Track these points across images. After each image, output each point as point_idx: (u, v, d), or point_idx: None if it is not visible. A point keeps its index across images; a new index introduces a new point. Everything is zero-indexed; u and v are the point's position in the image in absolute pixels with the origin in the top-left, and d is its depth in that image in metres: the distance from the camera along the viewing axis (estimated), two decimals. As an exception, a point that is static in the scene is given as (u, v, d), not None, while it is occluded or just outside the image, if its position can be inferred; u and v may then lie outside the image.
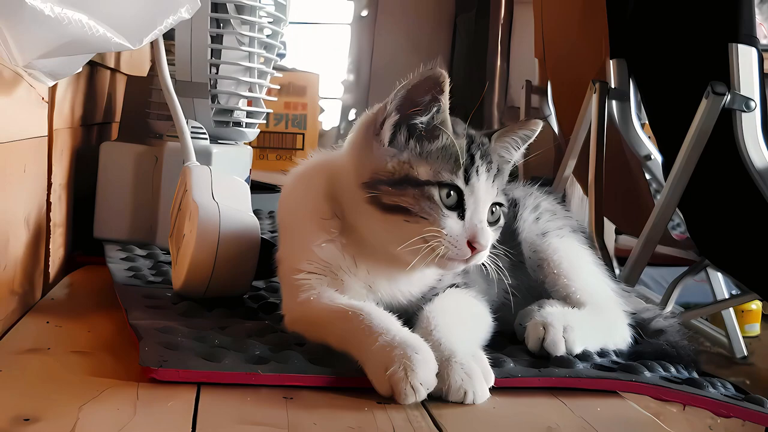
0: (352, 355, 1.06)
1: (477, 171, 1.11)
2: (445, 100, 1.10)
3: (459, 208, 1.10)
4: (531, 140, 1.21)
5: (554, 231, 1.34)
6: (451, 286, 1.21)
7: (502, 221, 1.17)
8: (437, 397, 1.02)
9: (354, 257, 1.17)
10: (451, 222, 1.09)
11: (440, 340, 1.06)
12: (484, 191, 1.11)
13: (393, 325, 1.06)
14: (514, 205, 1.36)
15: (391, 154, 1.11)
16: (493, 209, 1.14)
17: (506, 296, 1.31)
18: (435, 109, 1.10)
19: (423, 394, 1.00)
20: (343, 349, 1.08)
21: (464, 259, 1.10)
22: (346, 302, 1.13)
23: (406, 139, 1.11)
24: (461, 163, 1.10)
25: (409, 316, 1.15)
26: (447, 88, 1.09)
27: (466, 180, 1.10)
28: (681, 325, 1.37)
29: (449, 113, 1.12)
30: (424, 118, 1.11)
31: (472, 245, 1.09)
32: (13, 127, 1.28)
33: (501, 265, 1.18)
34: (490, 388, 1.06)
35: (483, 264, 1.28)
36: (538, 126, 1.20)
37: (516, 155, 1.22)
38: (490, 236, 1.11)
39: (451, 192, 1.09)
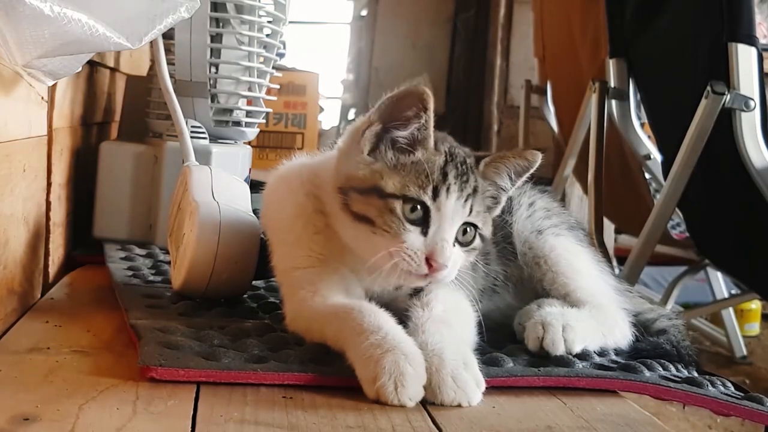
0: (345, 355, 1.06)
1: (448, 189, 1.10)
2: (429, 117, 1.11)
3: (424, 224, 1.09)
4: (530, 172, 1.19)
5: (549, 229, 1.34)
6: None
7: (476, 243, 1.15)
8: (436, 398, 1.03)
9: (341, 249, 1.17)
10: (412, 237, 1.09)
11: (427, 341, 1.05)
12: (453, 210, 1.10)
13: (385, 323, 1.05)
14: (509, 201, 1.36)
15: (366, 162, 1.13)
16: (467, 229, 1.13)
17: (496, 283, 1.33)
18: (417, 124, 1.11)
19: (411, 406, 1.00)
20: (338, 348, 1.08)
21: (422, 275, 1.09)
22: (340, 300, 1.13)
23: (386, 151, 1.12)
24: (432, 179, 1.10)
25: (402, 313, 1.14)
26: (431, 105, 1.10)
27: (434, 197, 1.10)
28: (684, 326, 1.37)
29: (435, 129, 1.13)
30: (404, 132, 1.12)
31: (430, 262, 1.08)
32: (12, 127, 1.28)
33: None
34: (489, 388, 1.06)
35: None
36: (536, 157, 1.17)
37: (513, 185, 1.20)
38: (452, 255, 1.10)
39: (417, 207, 1.09)
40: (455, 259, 1.12)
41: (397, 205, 1.09)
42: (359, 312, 1.07)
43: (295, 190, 1.23)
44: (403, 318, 1.11)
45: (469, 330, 1.16)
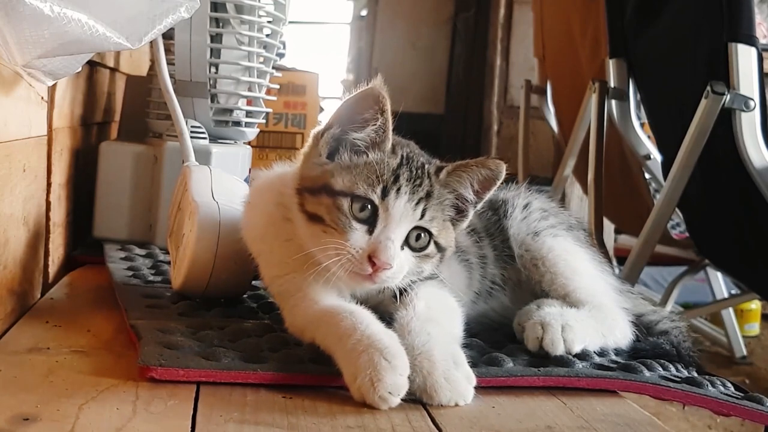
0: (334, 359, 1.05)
1: (398, 190, 1.10)
2: (386, 119, 1.11)
3: (372, 224, 1.09)
4: (497, 183, 1.16)
5: (547, 230, 1.34)
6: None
7: (430, 250, 1.14)
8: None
9: (313, 255, 1.15)
10: (357, 235, 1.08)
11: (413, 343, 1.04)
12: (401, 211, 1.09)
13: (360, 323, 1.03)
14: (504, 204, 1.37)
15: (320, 163, 1.13)
16: (420, 235, 1.12)
17: (492, 286, 1.32)
18: (374, 126, 1.11)
19: (395, 401, 0.99)
20: (328, 353, 1.06)
21: (366, 275, 1.08)
22: (328, 303, 1.12)
23: (343, 153, 1.12)
24: (382, 179, 1.10)
25: (390, 315, 1.13)
26: (388, 107, 1.10)
27: (383, 196, 1.09)
28: (687, 328, 1.36)
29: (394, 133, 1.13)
30: (361, 134, 1.12)
31: (373, 260, 1.07)
32: (12, 127, 1.28)
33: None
34: (489, 388, 1.06)
35: (465, 259, 1.27)
36: (499, 167, 1.14)
37: (480, 197, 1.17)
38: (396, 256, 1.09)
39: (367, 206, 1.09)
40: (402, 263, 1.11)
41: (345, 203, 1.09)
42: (337, 315, 1.06)
43: (266, 201, 1.23)
44: (387, 318, 1.10)
45: (455, 324, 1.16)
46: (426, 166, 1.15)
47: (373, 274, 1.08)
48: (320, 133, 1.15)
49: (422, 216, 1.11)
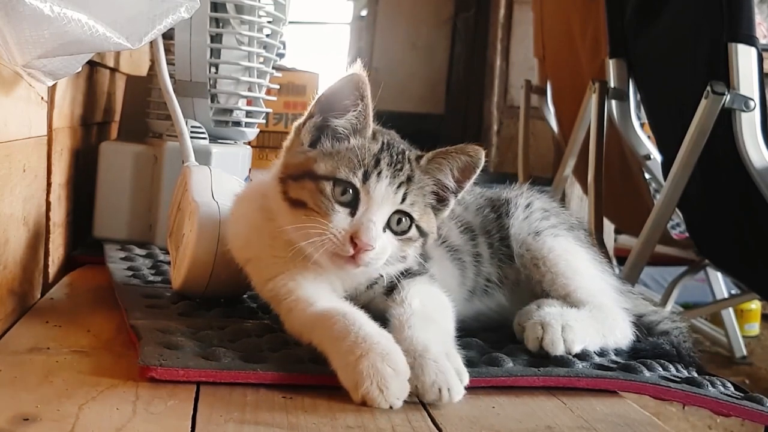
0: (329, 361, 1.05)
1: (379, 174, 1.11)
2: (366, 105, 1.12)
3: (353, 207, 1.11)
4: (477, 171, 1.17)
5: (547, 230, 1.34)
6: (406, 272, 1.19)
7: (412, 234, 1.15)
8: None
9: (298, 250, 1.16)
10: (339, 217, 1.10)
11: (413, 336, 1.05)
12: (383, 195, 1.11)
13: (353, 325, 1.03)
14: (507, 203, 1.37)
15: (303, 151, 1.15)
16: (401, 219, 1.14)
17: (488, 284, 1.33)
18: (354, 112, 1.13)
19: (398, 405, 0.99)
20: (324, 355, 1.06)
21: (348, 256, 1.09)
22: (320, 306, 1.12)
23: (325, 141, 1.14)
24: (363, 163, 1.11)
25: (382, 313, 1.13)
26: (368, 93, 1.11)
27: (364, 180, 1.11)
28: (687, 328, 1.36)
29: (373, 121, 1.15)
30: (342, 121, 1.14)
31: (355, 241, 1.09)
32: (12, 127, 1.28)
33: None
34: (489, 388, 1.06)
35: (458, 257, 1.27)
36: (478, 153, 1.16)
37: (461, 185, 1.18)
38: (378, 238, 1.10)
39: (349, 190, 1.11)
40: (384, 245, 1.12)
41: (327, 186, 1.11)
42: (330, 318, 1.07)
43: (249, 208, 1.25)
44: (378, 317, 1.10)
45: (448, 321, 1.16)
46: (406, 152, 1.17)
47: (355, 255, 1.09)
48: (302, 124, 1.17)
49: (403, 200, 1.13)
